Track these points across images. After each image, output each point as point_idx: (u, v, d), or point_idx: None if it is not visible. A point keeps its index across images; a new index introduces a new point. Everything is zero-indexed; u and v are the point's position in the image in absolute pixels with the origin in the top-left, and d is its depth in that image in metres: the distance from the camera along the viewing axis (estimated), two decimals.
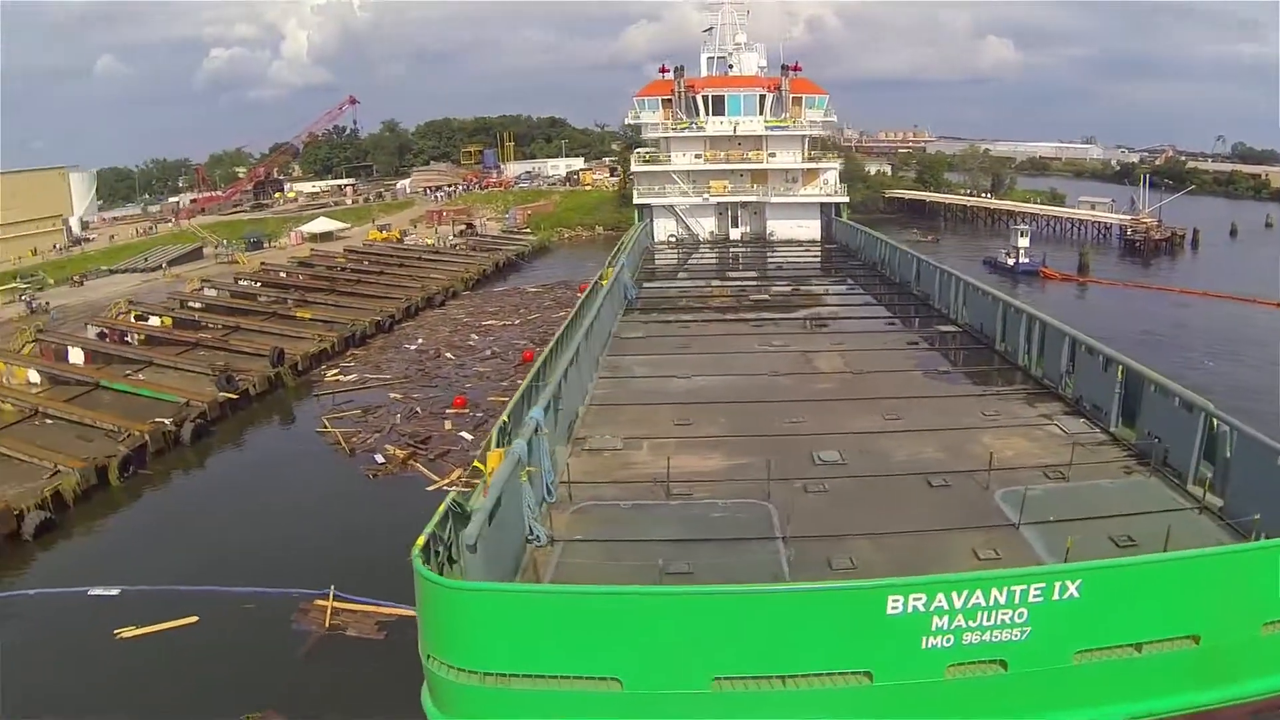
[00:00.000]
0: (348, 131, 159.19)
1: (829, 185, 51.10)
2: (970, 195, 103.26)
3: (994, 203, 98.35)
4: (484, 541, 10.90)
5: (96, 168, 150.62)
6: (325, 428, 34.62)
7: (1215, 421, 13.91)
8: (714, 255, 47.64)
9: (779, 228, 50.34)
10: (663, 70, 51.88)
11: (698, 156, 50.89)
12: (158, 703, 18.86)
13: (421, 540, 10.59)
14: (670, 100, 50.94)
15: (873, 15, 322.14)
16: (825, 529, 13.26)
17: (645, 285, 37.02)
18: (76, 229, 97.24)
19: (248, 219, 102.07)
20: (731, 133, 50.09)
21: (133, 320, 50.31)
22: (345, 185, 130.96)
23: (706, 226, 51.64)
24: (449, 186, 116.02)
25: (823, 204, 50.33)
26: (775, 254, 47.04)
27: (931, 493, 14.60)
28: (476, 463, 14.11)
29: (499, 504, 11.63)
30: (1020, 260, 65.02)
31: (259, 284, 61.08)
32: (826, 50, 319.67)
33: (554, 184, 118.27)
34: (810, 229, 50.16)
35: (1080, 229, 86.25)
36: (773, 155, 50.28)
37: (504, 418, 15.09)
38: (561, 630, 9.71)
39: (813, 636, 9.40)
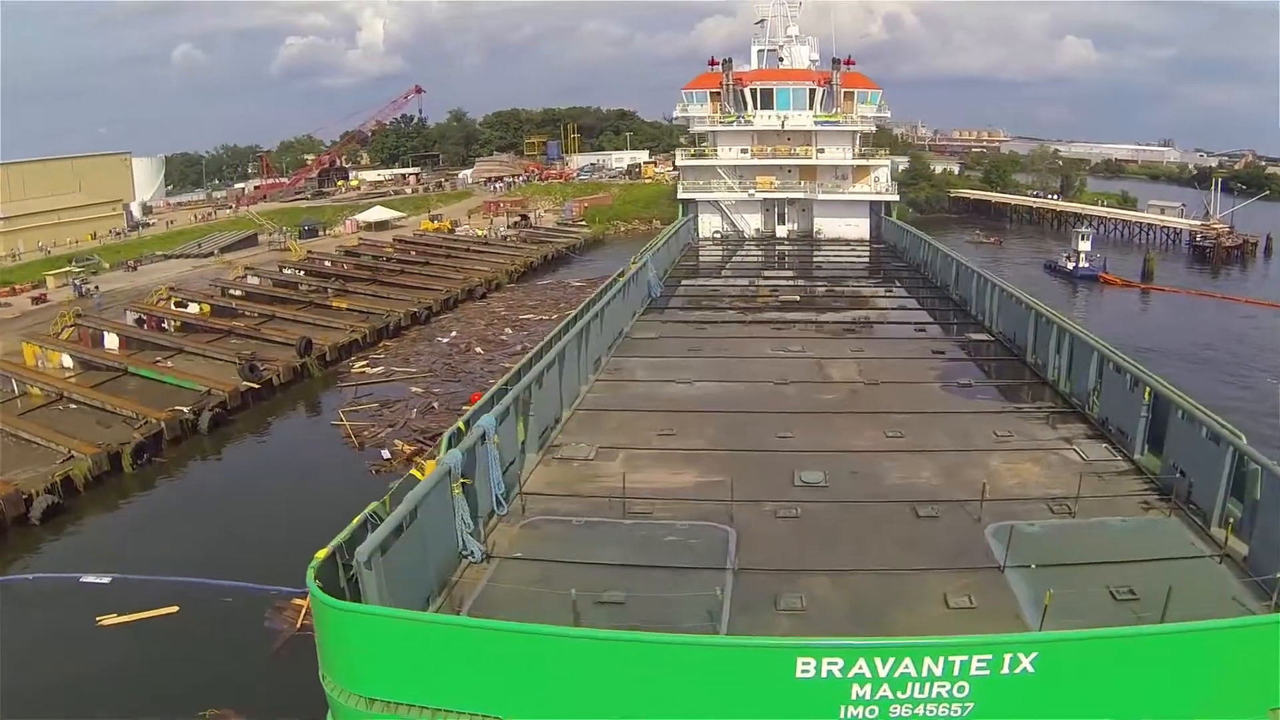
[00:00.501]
0: (416, 120, 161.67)
1: (880, 183, 49.17)
2: (1038, 197, 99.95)
3: (1060, 204, 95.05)
4: (393, 556, 9.93)
5: (167, 153, 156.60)
6: (340, 420, 34.39)
7: (1245, 457, 12.23)
8: (758, 253, 46.09)
9: (827, 226, 48.58)
10: (712, 63, 50.53)
11: (743, 151, 49.41)
12: (122, 692, 18.62)
13: (324, 552, 9.68)
14: (719, 93, 49.73)
15: (951, 14, 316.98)
16: (785, 561, 11.88)
17: (683, 283, 35.83)
18: (138, 213, 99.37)
19: (307, 206, 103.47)
20: (779, 127, 48.53)
21: (171, 307, 51.13)
22: (408, 174, 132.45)
23: (752, 223, 50.06)
24: (509, 177, 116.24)
25: (872, 202, 48.38)
26: (820, 253, 45.34)
27: (916, 524, 13.03)
28: (415, 470, 13.22)
29: (414, 517, 10.68)
30: (1080, 265, 62.33)
31: (303, 272, 61.44)
32: (904, 48, 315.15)
33: (615, 177, 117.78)
34: (859, 228, 48.25)
35: (1149, 234, 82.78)
36: (821, 151, 48.51)
37: (459, 424, 14.15)
38: (442, 661, 8.81)
39: (710, 693, 8.21)
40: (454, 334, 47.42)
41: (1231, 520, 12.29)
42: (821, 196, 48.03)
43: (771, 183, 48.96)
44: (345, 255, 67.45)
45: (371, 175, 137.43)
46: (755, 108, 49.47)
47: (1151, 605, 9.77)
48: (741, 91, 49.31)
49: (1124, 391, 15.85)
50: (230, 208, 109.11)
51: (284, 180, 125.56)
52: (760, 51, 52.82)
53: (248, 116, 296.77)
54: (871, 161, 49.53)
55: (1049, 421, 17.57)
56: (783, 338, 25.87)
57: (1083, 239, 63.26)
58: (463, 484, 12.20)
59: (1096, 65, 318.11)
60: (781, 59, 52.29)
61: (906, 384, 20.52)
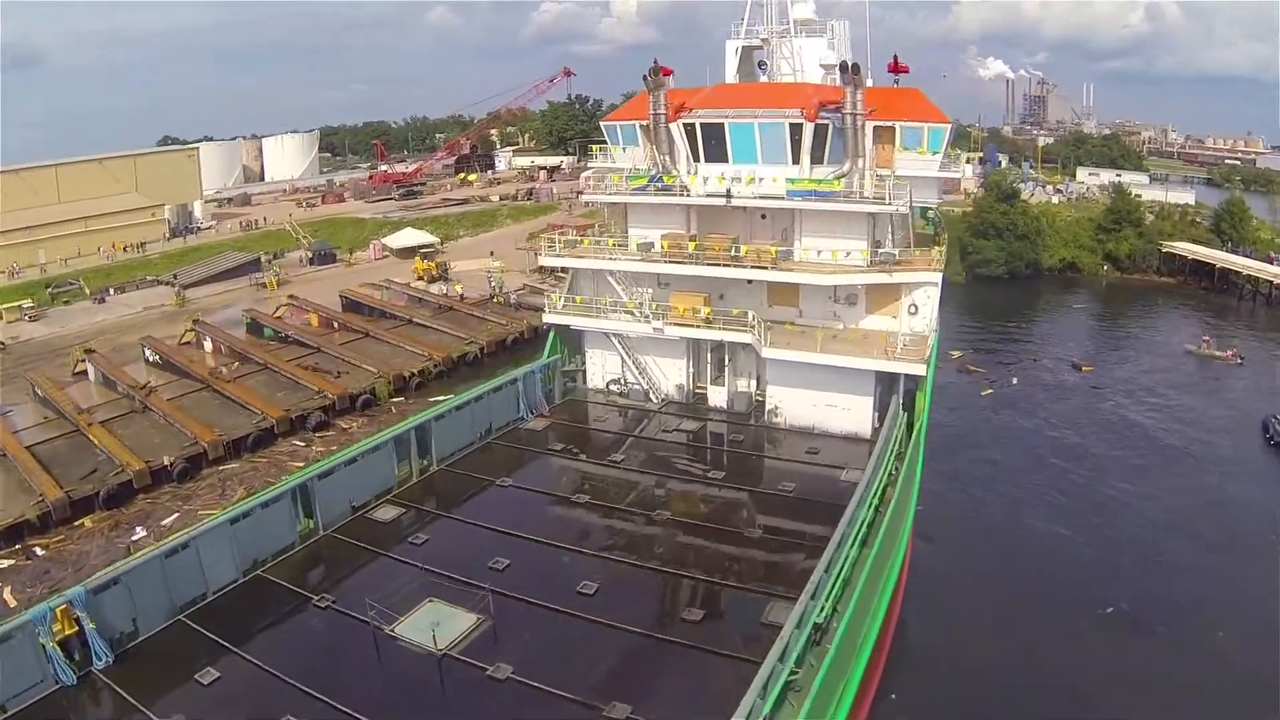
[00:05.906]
0: (590, 102, 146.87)
1: (919, 316, 24.85)
2: None
3: None
4: None
5: (364, 120, 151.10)
6: None
7: None
8: (644, 452, 23.08)
9: (788, 403, 24.25)
10: (660, 73, 27.83)
11: (649, 246, 27.30)
12: None
13: None
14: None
15: (1216, 4, 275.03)
16: None
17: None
18: (199, 214, 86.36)
19: (389, 215, 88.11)
20: (724, 198, 26.06)
21: None
22: (540, 168, 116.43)
23: (671, 376, 26.93)
24: None
25: (879, 372, 23.31)
26: (752, 477, 22.20)
27: None
28: None
29: None
30: None
31: (162, 360, 43.14)
32: (1164, 40, 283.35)
33: None
34: (855, 413, 23.44)
35: None
36: (785, 253, 24.87)
37: None
38: None
39: None
40: (169, 522, 27.96)
41: None
42: (767, 353, 24.23)
43: (696, 311, 25.96)
44: (246, 334, 47.04)
45: (524, 161, 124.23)
46: (696, 159, 27.26)
47: None
48: (669, 129, 27.13)
49: None
50: (314, 203, 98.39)
51: (404, 170, 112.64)
52: (739, 50, 29.36)
53: (495, 81, 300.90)
54: (909, 276, 24.30)
55: None
56: None
57: None
58: None
59: None
60: (762, 65, 29.02)
61: None
